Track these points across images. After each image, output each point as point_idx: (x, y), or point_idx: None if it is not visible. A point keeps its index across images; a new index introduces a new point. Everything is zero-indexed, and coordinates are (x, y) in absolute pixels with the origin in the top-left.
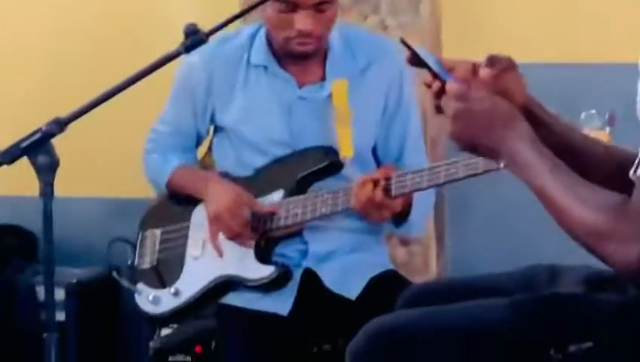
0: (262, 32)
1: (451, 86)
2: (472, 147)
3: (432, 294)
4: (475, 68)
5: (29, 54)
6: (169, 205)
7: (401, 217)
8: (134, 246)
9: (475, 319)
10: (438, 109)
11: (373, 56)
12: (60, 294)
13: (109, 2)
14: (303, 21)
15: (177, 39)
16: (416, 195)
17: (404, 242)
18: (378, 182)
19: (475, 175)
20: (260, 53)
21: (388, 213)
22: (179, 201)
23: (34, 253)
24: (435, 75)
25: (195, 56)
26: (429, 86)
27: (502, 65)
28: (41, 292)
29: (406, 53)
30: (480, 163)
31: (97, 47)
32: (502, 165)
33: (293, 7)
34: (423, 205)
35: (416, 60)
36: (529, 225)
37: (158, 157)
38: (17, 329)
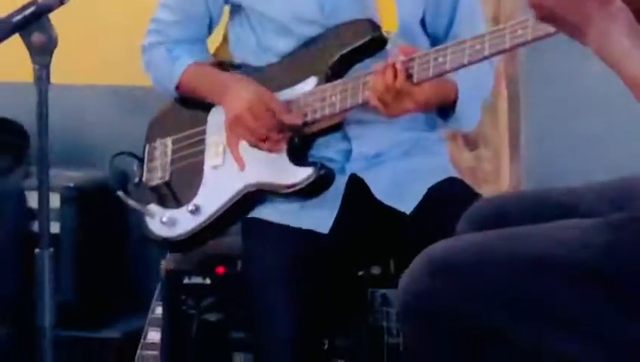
0: None
1: None
2: (554, 19)
3: (504, 212)
4: None
5: None
6: (180, 109)
7: (447, 106)
8: (141, 160)
9: (561, 246)
10: None
11: None
12: (54, 201)
13: None
14: None
15: None
16: (463, 79)
17: (471, 143)
18: (396, 67)
19: (523, 44)
20: None
21: (411, 104)
22: (191, 105)
23: (24, 151)
24: None
25: None
26: None
27: None
28: (32, 198)
29: None
30: (529, 29)
31: None
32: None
33: None
34: (474, 92)
35: None
36: (621, 125)
37: (163, 54)
38: (2, 242)
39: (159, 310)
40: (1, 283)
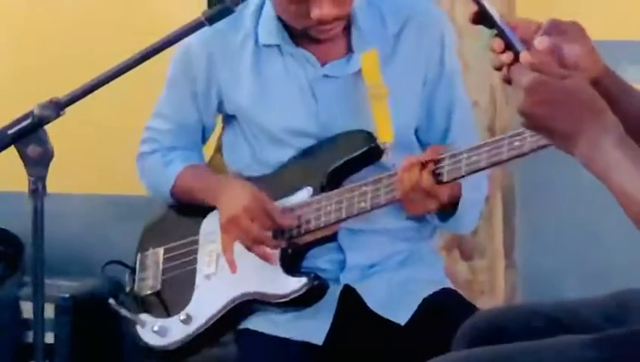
0: (268, 6)
1: (526, 56)
2: (544, 128)
3: (499, 328)
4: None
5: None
6: (172, 219)
7: (446, 209)
8: (132, 269)
9: None
10: (507, 79)
11: (406, 18)
12: (49, 311)
13: None
14: (320, 9)
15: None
16: (465, 183)
17: (467, 255)
18: (426, 165)
19: (544, 146)
20: (269, 30)
21: (434, 203)
22: (184, 212)
23: (19, 261)
24: (507, 46)
25: (191, 37)
26: (495, 51)
27: (564, 31)
28: (26, 308)
29: (472, 8)
30: (526, 141)
31: (94, 27)
32: None
33: None
34: (473, 194)
35: (484, 20)
36: (616, 234)
37: (157, 160)
38: None
39: None
40: None
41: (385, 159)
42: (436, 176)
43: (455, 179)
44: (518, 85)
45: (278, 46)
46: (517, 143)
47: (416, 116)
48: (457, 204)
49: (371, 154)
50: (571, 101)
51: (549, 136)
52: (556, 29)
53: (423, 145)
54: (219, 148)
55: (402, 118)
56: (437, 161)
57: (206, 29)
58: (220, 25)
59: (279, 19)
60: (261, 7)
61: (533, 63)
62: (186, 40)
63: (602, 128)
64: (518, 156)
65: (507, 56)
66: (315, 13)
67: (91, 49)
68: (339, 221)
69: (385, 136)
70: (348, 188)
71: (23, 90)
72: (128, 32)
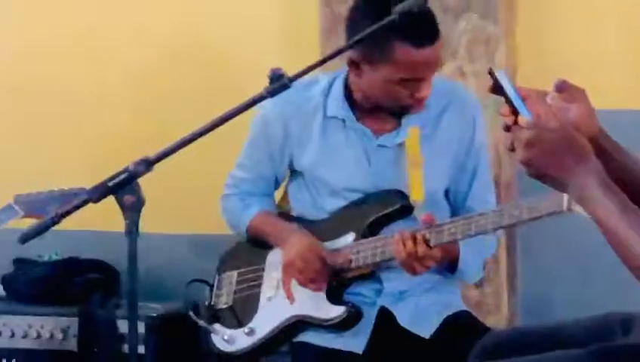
0: (338, 83)
1: (523, 118)
2: (541, 175)
3: (509, 345)
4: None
5: (118, 97)
6: (245, 248)
7: (451, 262)
8: (211, 287)
9: None
10: (512, 147)
11: (447, 103)
12: (140, 328)
13: (195, 46)
14: (425, 90)
15: (260, 83)
16: (466, 244)
17: (477, 283)
18: (416, 237)
19: (519, 223)
20: (337, 105)
21: (432, 262)
22: (255, 245)
23: (115, 287)
24: (513, 111)
25: (270, 105)
26: (503, 115)
27: (571, 93)
28: (121, 325)
29: (490, 82)
30: (524, 212)
31: (184, 90)
32: (565, 207)
33: (417, 80)
34: (477, 251)
35: (498, 91)
36: (607, 266)
37: (237, 203)
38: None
39: None
40: None
41: (416, 214)
42: (426, 241)
43: (440, 244)
44: (519, 141)
45: (342, 120)
46: (482, 222)
47: (445, 182)
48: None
49: (403, 210)
50: (561, 151)
51: (546, 180)
52: (565, 89)
53: (450, 205)
54: (286, 193)
55: (432, 183)
56: (427, 230)
57: (285, 97)
58: (294, 97)
59: (346, 95)
60: (331, 85)
61: (529, 123)
62: (265, 106)
63: (587, 171)
64: (482, 232)
65: (510, 119)
66: (422, 93)
67: (184, 109)
68: (374, 263)
69: (416, 196)
70: (383, 237)
71: (139, 132)
72: (208, 97)
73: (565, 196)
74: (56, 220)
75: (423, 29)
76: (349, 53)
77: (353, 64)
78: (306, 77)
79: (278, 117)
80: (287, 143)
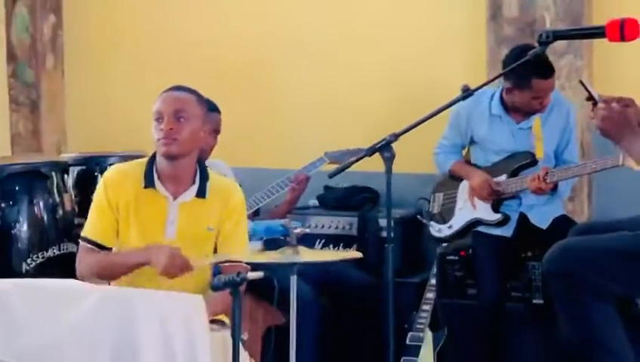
0: (498, 93)
1: (600, 104)
2: (610, 137)
3: (590, 229)
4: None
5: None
6: (447, 180)
7: (553, 190)
8: (429, 201)
9: (615, 241)
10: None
11: (553, 103)
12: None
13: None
14: (547, 100)
15: (450, 92)
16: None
17: (570, 199)
18: (539, 176)
19: (603, 169)
20: (497, 106)
21: (547, 189)
22: (452, 178)
23: (377, 201)
24: (594, 101)
25: (461, 104)
26: (588, 100)
27: (627, 101)
28: (381, 221)
29: (585, 91)
30: (597, 164)
31: (414, 96)
32: (620, 162)
33: (544, 97)
34: (567, 183)
35: (589, 97)
36: None
37: (442, 158)
38: (364, 241)
39: (435, 269)
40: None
41: (539, 165)
42: (544, 179)
43: (552, 181)
44: (597, 116)
45: (499, 115)
46: (572, 169)
47: (553, 147)
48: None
49: (532, 163)
50: (622, 123)
51: (613, 140)
52: (623, 99)
53: (555, 159)
54: (468, 153)
55: (547, 147)
56: (545, 174)
57: (466, 102)
58: (473, 101)
59: (501, 100)
60: (493, 94)
61: (604, 106)
62: (458, 105)
63: (634, 134)
64: (572, 176)
65: (592, 105)
66: (545, 102)
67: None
68: (517, 191)
69: (539, 155)
70: (521, 177)
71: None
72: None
73: (622, 155)
74: (348, 165)
75: (546, 67)
76: (504, 83)
77: (508, 89)
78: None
79: (464, 111)
80: (469, 126)
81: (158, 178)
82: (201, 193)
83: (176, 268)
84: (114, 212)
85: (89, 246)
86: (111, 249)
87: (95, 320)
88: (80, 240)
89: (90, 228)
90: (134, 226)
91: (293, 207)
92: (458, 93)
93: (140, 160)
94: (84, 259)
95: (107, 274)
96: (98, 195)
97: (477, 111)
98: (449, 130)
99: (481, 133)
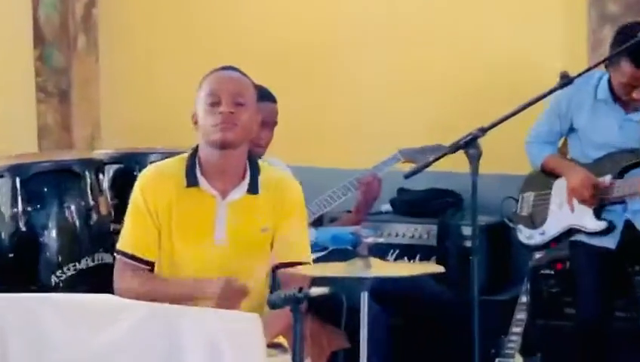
0: (605, 78)
1: None
2: None
3: None
4: None
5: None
6: (539, 177)
7: None
8: (517, 201)
9: None
10: None
11: None
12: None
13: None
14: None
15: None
16: None
17: None
18: None
19: None
20: (603, 91)
21: None
22: (545, 175)
23: (460, 206)
24: None
25: (561, 91)
26: None
27: None
28: (463, 229)
29: None
30: None
31: (501, 85)
32: None
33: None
34: None
35: None
36: None
37: (535, 149)
38: (444, 252)
39: (527, 286)
40: None
41: None
42: None
43: None
44: None
45: (604, 100)
46: None
47: None
48: None
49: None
50: None
51: None
52: None
53: None
54: (565, 144)
55: None
56: None
57: (568, 88)
58: (575, 86)
59: (609, 86)
60: (600, 78)
61: None
62: (559, 91)
63: None
64: None
65: None
66: (637, 95)
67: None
68: (623, 196)
69: None
70: (628, 180)
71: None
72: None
73: None
74: (428, 165)
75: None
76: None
77: (607, 67)
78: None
79: (565, 97)
80: (569, 111)
81: (202, 174)
82: (253, 189)
83: (234, 299)
84: (154, 219)
85: (128, 261)
86: (153, 264)
87: (135, 340)
88: (116, 254)
89: (128, 240)
90: (177, 232)
91: (366, 213)
92: (555, 81)
93: (178, 156)
94: (124, 280)
95: (150, 300)
96: (134, 200)
97: (579, 96)
98: (545, 114)
99: (583, 120)
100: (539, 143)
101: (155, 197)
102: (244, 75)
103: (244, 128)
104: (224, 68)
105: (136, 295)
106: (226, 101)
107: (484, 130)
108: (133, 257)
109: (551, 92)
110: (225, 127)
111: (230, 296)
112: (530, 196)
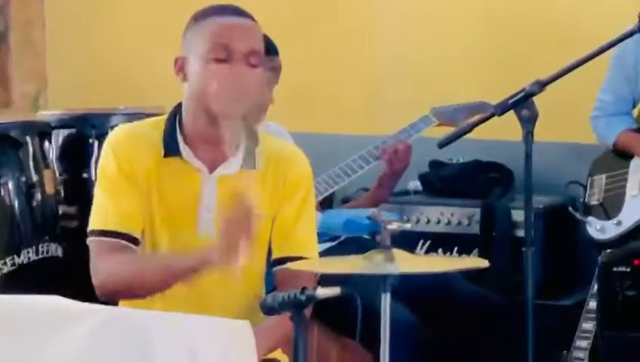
0: None
1: None
2: None
3: None
4: None
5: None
6: (611, 156)
7: None
8: (585, 187)
9: None
10: None
11: None
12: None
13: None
14: None
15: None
16: None
17: None
18: None
19: None
20: None
21: None
22: (619, 154)
23: (510, 184)
24: None
25: (630, 42)
26: None
27: None
28: (514, 214)
29: None
30: None
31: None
32: None
33: None
34: None
35: None
36: None
37: (604, 124)
38: (489, 243)
39: (596, 287)
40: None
41: None
42: None
43: None
44: None
45: None
46: None
47: None
48: None
49: None
50: None
51: None
52: None
53: None
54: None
55: None
56: None
57: (636, 38)
58: None
59: None
60: None
61: None
62: (624, 42)
63: None
64: None
65: None
66: None
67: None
68: None
69: None
70: None
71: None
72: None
73: None
74: (469, 130)
75: None
76: None
77: None
78: None
79: (631, 52)
80: (639, 69)
81: (186, 143)
82: (248, 162)
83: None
84: (132, 185)
85: (106, 240)
86: (138, 241)
87: (92, 352)
88: (90, 239)
89: (105, 216)
90: (157, 212)
91: (390, 191)
92: (629, 25)
93: (151, 119)
94: (104, 262)
95: (143, 284)
96: (105, 168)
97: None
98: (611, 79)
99: None
100: (605, 116)
101: (131, 163)
102: (256, 21)
103: (255, 97)
104: (232, 10)
105: (127, 279)
106: (238, 60)
107: (541, 85)
108: (114, 234)
109: (623, 38)
110: (236, 96)
111: (231, 243)
112: (601, 179)
